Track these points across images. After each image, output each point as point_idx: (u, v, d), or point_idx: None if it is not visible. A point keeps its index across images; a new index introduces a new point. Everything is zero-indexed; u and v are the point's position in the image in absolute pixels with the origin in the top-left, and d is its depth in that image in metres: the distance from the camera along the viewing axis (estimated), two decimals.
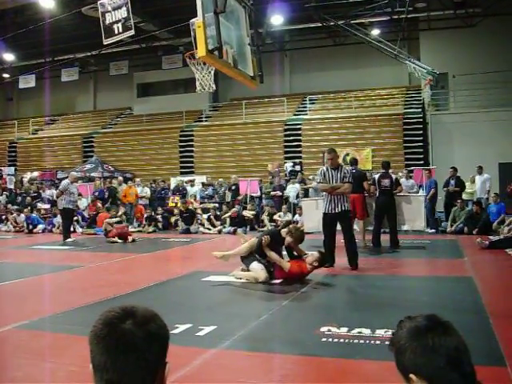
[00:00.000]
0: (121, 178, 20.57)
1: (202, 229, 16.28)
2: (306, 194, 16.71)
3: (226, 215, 16.52)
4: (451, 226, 14.31)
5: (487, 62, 19.19)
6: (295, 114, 24.04)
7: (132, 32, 10.33)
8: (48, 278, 8.21)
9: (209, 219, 16.67)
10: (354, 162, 11.96)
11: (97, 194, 18.87)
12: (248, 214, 16.51)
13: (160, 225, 17.27)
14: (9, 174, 25.15)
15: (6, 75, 28.37)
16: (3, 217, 18.94)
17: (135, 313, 1.33)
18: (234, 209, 16.62)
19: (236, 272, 7.43)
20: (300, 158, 21.96)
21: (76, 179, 15.89)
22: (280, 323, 5.09)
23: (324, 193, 8.62)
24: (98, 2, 10.50)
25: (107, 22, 10.33)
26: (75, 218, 16.23)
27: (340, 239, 8.50)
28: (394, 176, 11.65)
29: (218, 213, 17.07)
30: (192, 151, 24.27)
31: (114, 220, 14.61)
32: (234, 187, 18.34)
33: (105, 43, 10.59)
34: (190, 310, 5.65)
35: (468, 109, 19.25)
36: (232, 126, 24.20)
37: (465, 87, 18.99)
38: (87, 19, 18.99)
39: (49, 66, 24.73)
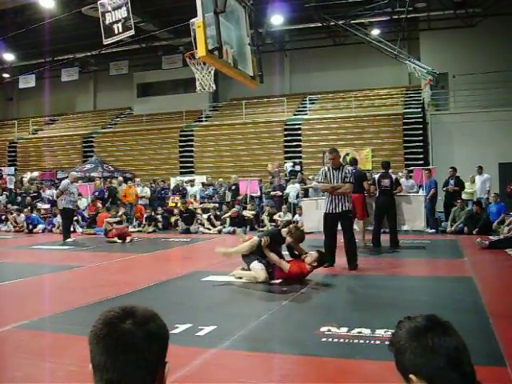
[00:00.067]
0: (121, 178, 20.57)
1: (201, 229, 16.28)
2: (305, 194, 16.71)
3: (226, 215, 16.52)
4: (451, 225, 14.31)
5: (487, 61, 19.19)
6: (295, 114, 24.05)
7: (132, 32, 10.33)
8: (48, 277, 8.21)
9: (209, 219, 16.67)
10: (354, 161, 11.96)
11: (97, 193, 18.86)
12: (248, 213, 16.51)
13: (160, 225, 17.27)
14: (9, 174, 25.15)
15: (6, 75, 28.39)
16: (3, 217, 18.94)
17: (135, 313, 1.33)
18: (233, 209, 16.62)
19: (236, 271, 7.43)
20: (300, 157, 21.96)
21: (76, 179, 15.89)
22: (280, 323, 5.09)
23: (325, 193, 8.62)
24: (98, 2, 10.50)
25: (107, 21, 10.33)
26: (75, 218, 16.22)
27: (340, 239, 8.50)
28: (393, 176, 11.65)
29: (218, 213, 17.07)
30: (192, 151, 24.27)
31: (114, 220, 14.60)
32: (233, 187, 18.34)
33: (105, 43, 10.59)
34: (189, 310, 5.65)
35: (468, 109, 19.25)
36: (232, 126, 24.21)
37: (465, 87, 18.99)
38: (87, 19, 18.99)
39: (49, 66, 24.76)
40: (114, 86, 28.77)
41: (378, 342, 4.18)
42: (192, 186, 19.85)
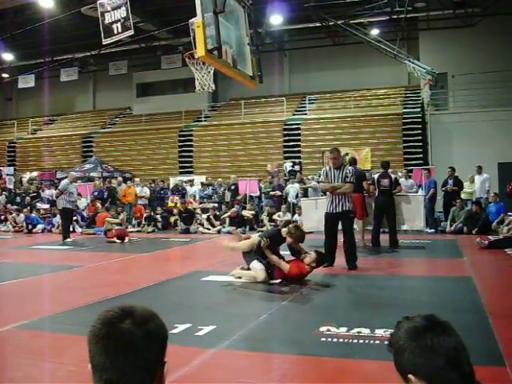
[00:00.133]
0: (120, 179, 20.55)
1: (201, 229, 16.28)
2: (305, 194, 16.71)
3: (226, 215, 16.52)
4: (450, 225, 14.32)
5: (486, 61, 19.19)
6: (294, 114, 24.05)
7: (131, 32, 10.32)
8: (47, 277, 8.21)
9: (208, 219, 16.67)
10: (353, 161, 11.96)
11: (96, 193, 18.85)
12: (247, 213, 16.52)
13: (159, 225, 17.27)
14: (8, 174, 25.14)
15: (5, 75, 28.38)
16: (2, 217, 18.94)
17: (134, 312, 1.33)
18: (233, 209, 16.62)
19: (235, 271, 7.43)
20: (299, 157, 21.96)
21: (75, 179, 15.88)
22: (279, 323, 5.09)
23: (327, 192, 8.62)
24: (98, 2, 10.50)
25: (106, 21, 10.32)
26: (74, 218, 16.22)
27: (341, 239, 8.50)
28: (393, 176, 11.65)
29: (218, 213, 17.07)
30: (191, 151, 24.27)
31: (116, 221, 14.60)
32: (233, 187, 18.35)
33: (104, 43, 10.58)
34: (189, 310, 5.65)
35: (467, 108, 19.25)
36: (231, 125, 24.21)
37: (464, 87, 18.99)
38: (86, 19, 18.99)
39: (48, 66, 24.74)
40: (114, 85, 28.76)
41: (377, 341, 4.18)
42: (191, 185, 19.85)
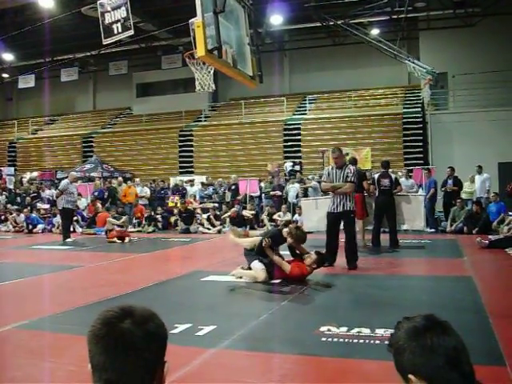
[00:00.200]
0: (120, 179, 20.54)
1: (201, 229, 16.27)
2: (305, 194, 16.71)
3: (226, 215, 16.52)
4: (451, 225, 14.31)
5: (487, 61, 19.18)
6: (294, 114, 24.06)
7: (131, 32, 10.33)
8: (48, 277, 8.21)
9: (208, 219, 16.67)
10: (353, 161, 11.93)
11: (96, 193, 18.84)
12: (247, 213, 16.51)
13: (160, 225, 17.27)
14: (8, 174, 25.14)
15: (5, 75, 28.42)
16: (3, 217, 18.94)
17: (133, 312, 1.33)
18: (233, 208, 16.62)
19: (236, 271, 7.43)
20: (299, 157, 21.98)
21: (75, 179, 15.89)
22: (279, 323, 5.09)
23: (329, 192, 8.63)
24: (98, 2, 10.50)
25: (106, 21, 10.32)
26: (75, 218, 16.22)
27: (342, 238, 8.50)
28: (393, 176, 11.64)
29: (218, 213, 17.07)
30: (191, 151, 24.28)
31: (117, 222, 14.60)
32: (233, 187, 18.36)
33: (104, 43, 10.59)
34: (189, 310, 5.66)
35: (467, 108, 19.24)
36: (231, 125, 24.22)
37: (464, 87, 18.98)
38: (87, 19, 18.99)
39: (48, 66, 24.73)
40: (114, 86, 28.78)
41: (377, 341, 4.18)
42: (191, 185, 19.85)
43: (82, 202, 18.60)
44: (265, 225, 15.87)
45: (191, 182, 20.12)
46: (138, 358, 1.27)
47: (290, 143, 22.64)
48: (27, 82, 25.81)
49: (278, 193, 17.61)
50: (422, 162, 19.26)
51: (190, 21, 7.52)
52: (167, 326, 1.39)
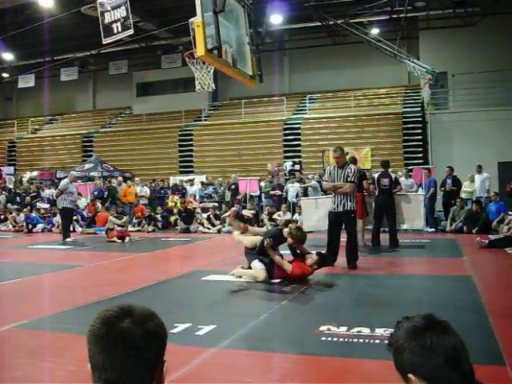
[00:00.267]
0: (120, 178, 20.53)
1: (201, 228, 16.27)
2: (305, 193, 16.70)
3: (226, 214, 16.52)
4: (450, 225, 14.31)
5: (486, 61, 19.18)
6: (294, 114, 24.05)
7: (131, 31, 10.32)
8: (47, 277, 8.21)
9: (208, 218, 16.66)
10: (353, 161, 11.91)
11: (96, 193, 18.85)
12: (247, 213, 16.49)
13: (159, 224, 17.27)
14: (8, 174, 25.16)
15: (5, 75, 28.39)
16: (2, 216, 18.94)
17: (133, 311, 1.33)
18: (233, 208, 16.62)
19: (236, 270, 7.42)
20: (299, 157, 21.97)
21: (75, 179, 15.90)
22: (279, 322, 5.09)
23: (330, 192, 8.63)
24: (97, 2, 10.49)
25: (106, 21, 10.32)
26: (75, 218, 16.22)
27: (344, 238, 8.50)
28: (393, 175, 11.64)
29: (218, 212, 17.06)
30: (191, 150, 24.28)
31: (119, 222, 14.60)
32: (233, 186, 18.35)
33: (104, 42, 10.58)
34: (189, 310, 5.66)
35: (467, 108, 19.25)
36: (231, 125, 24.21)
37: (464, 86, 18.99)
38: (86, 18, 18.99)
39: (48, 66, 24.72)
40: (114, 85, 28.77)
41: (377, 341, 4.19)
42: (191, 185, 19.85)
43: (82, 202, 18.59)
44: (265, 224, 15.86)
45: (191, 182, 20.12)
46: (137, 357, 1.27)
47: (289, 143, 22.64)
48: (27, 81, 25.81)
49: (278, 192, 17.61)
50: (421, 161, 19.27)
51: (190, 20, 7.52)
52: (167, 325, 1.39)
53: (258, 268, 7.05)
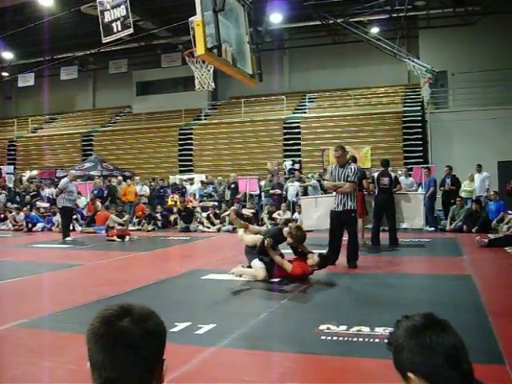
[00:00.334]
0: (120, 177, 20.53)
1: (201, 227, 16.28)
2: (305, 193, 16.70)
3: (225, 213, 16.52)
4: (450, 224, 14.32)
5: (486, 60, 19.17)
6: (294, 113, 24.04)
7: (131, 30, 10.34)
8: (47, 276, 8.21)
9: (208, 217, 16.67)
10: (353, 160, 11.92)
11: (96, 192, 18.85)
12: (247, 212, 16.51)
13: (159, 223, 17.27)
14: (8, 173, 25.15)
15: (5, 74, 28.38)
16: (2, 215, 18.93)
17: (132, 310, 1.33)
18: (233, 207, 16.62)
19: (236, 269, 7.41)
20: (299, 156, 21.97)
21: (75, 178, 15.90)
22: (279, 321, 5.10)
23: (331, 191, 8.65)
24: (97, 1, 10.50)
25: (106, 20, 10.33)
26: (74, 217, 16.22)
27: (345, 237, 8.51)
28: (393, 174, 11.65)
29: (218, 211, 17.06)
30: (191, 149, 24.28)
31: (119, 221, 14.61)
32: (233, 185, 18.35)
33: (104, 41, 10.59)
34: (189, 308, 5.66)
35: (467, 107, 19.25)
36: (231, 124, 24.20)
37: (464, 85, 18.97)
38: (86, 17, 18.95)
39: (48, 65, 24.71)
40: (113, 84, 28.75)
41: (377, 340, 4.19)
42: (191, 184, 19.85)
43: (82, 201, 18.60)
44: (264, 223, 15.86)
45: (191, 181, 20.12)
46: (137, 356, 1.27)
47: (289, 142, 22.64)
48: (27, 80, 25.76)
49: (278, 191, 17.60)
50: (421, 160, 19.26)
51: (190, 19, 7.52)
52: (167, 324, 1.39)
53: (258, 267, 7.05)
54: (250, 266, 7.24)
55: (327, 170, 8.77)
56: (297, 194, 16.84)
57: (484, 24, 19.35)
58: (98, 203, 17.46)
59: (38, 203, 19.42)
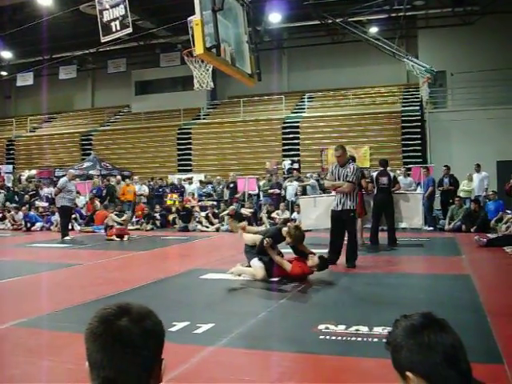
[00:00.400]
0: (119, 177, 20.52)
1: (199, 227, 16.28)
2: (303, 192, 16.70)
3: (224, 213, 16.52)
4: (449, 223, 14.33)
5: (485, 59, 19.18)
6: (293, 112, 24.04)
7: (130, 30, 10.34)
8: (46, 275, 8.20)
9: (207, 217, 16.67)
10: (352, 159, 11.93)
11: (95, 191, 18.85)
12: (246, 211, 16.51)
13: (158, 223, 17.27)
14: (7, 172, 25.15)
15: (3, 73, 28.34)
16: (1, 215, 18.92)
17: (130, 310, 1.33)
18: (231, 206, 16.62)
19: (235, 268, 7.41)
20: (298, 155, 21.97)
21: (74, 177, 15.89)
22: (278, 321, 5.10)
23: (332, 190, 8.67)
24: (96, 0, 10.49)
25: (105, 19, 10.33)
26: (73, 216, 16.21)
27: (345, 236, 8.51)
28: (391, 174, 11.66)
29: (216, 211, 17.06)
30: (190, 149, 24.26)
31: (119, 220, 14.60)
32: (231, 185, 18.36)
33: (103, 41, 10.59)
34: (187, 308, 5.66)
35: (466, 107, 19.26)
36: (230, 123, 24.18)
37: (463, 85, 18.98)
38: (85, 17, 18.94)
39: (47, 64, 24.69)
40: (112, 83, 28.71)
41: (375, 339, 4.19)
42: (190, 183, 19.84)
43: (81, 200, 18.59)
44: (263, 223, 15.87)
45: (190, 180, 20.11)
46: (135, 355, 1.27)
47: (288, 141, 22.63)
48: (25, 79, 25.74)
49: (277, 191, 17.61)
50: (420, 160, 19.27)
51: (189, 19, 7.52)
52: (165, 323, 1.39)
53: (257, 266, 7.05)
54: (249, 266, 7.24)
55: (328, 169, 8.77)
56: (296, 194, 16.84)
57: (483, 24, 19.37)
58: (97, 202, 17.46)
59: (36, 202, 19.40)
